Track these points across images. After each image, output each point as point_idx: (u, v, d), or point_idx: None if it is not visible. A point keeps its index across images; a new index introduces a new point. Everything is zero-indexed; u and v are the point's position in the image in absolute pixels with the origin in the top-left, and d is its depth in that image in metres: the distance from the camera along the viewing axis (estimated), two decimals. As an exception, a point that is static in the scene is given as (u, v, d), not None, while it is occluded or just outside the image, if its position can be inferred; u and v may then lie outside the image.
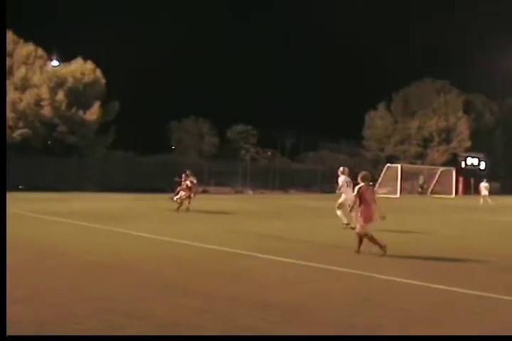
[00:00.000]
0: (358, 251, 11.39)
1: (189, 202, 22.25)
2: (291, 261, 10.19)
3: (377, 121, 69.43)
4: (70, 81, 43.83)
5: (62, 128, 42.73)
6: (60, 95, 42.53)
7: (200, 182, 47.88)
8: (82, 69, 44.97)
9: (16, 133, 40.97)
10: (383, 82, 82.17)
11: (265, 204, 31.18)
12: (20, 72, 42.57)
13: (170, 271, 9.20)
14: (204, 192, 45.57)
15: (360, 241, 11.44)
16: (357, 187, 11.74)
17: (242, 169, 51.78)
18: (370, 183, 11.96)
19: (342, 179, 17.04)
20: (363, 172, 12.06)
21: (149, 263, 9.85)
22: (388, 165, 55.26)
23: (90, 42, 64.03)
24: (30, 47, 44.33)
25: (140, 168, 44.58)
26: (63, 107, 42.56)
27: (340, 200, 16.86)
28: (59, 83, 43.36)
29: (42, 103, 42.28)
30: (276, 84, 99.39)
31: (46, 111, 42.18)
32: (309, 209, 27.30)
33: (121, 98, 46.80)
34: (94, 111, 43.80)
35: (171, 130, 74.67)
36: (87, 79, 44.81)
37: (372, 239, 11.36)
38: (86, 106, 43.90)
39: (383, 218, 11.35)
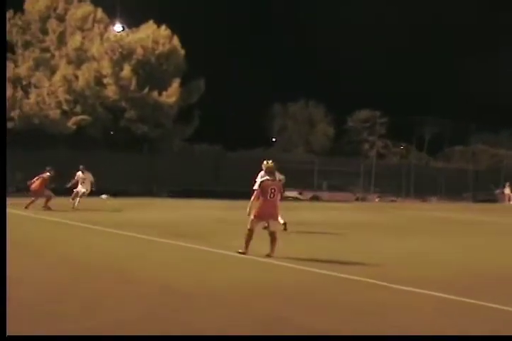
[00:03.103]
0: (269, 255, 13.00)
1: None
2: (427, 292, 10.14)
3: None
4: (139, 52, 43.76)
5: (130, 114, 43.17)
6: (127, 71, 42.64)
7: (309, 185, 47.85)
8: (154, 36, 44.86)
9: (72, 121, 41.42)
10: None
11: (397, 216, 30.91)
12: (74, 41, 43.15)
13: (270, 301, 9.24)
14: (313, 199, 45.54)
15: (272, 242, 13.08)
16: (259, 181, 13.35)
17: (365, 169, 51.37)
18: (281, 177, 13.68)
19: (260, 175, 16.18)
20: (268, 164, 13.51)
21: (246, 291, 10.00)
22: None
23: (165, 2, 64.79)
24: (87, 7, 44.91)
25: (230, 166, 44.64)
26: (132, 87, 42.55)
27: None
28: (125, 55, 43.40)
29: (104, 81, 42.80)
30: (410, 59, 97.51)
31: (110, 91, 42.71)
32: (456, 223, 26.86)
33: (206, 75, 47.05)
34: (172, 92, 43.91)
35: (271, 117, 74.39)
36: (161, 49, 44.72)
37: (248, 237, 13.10)
38: (161, 86, 43.86)
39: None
